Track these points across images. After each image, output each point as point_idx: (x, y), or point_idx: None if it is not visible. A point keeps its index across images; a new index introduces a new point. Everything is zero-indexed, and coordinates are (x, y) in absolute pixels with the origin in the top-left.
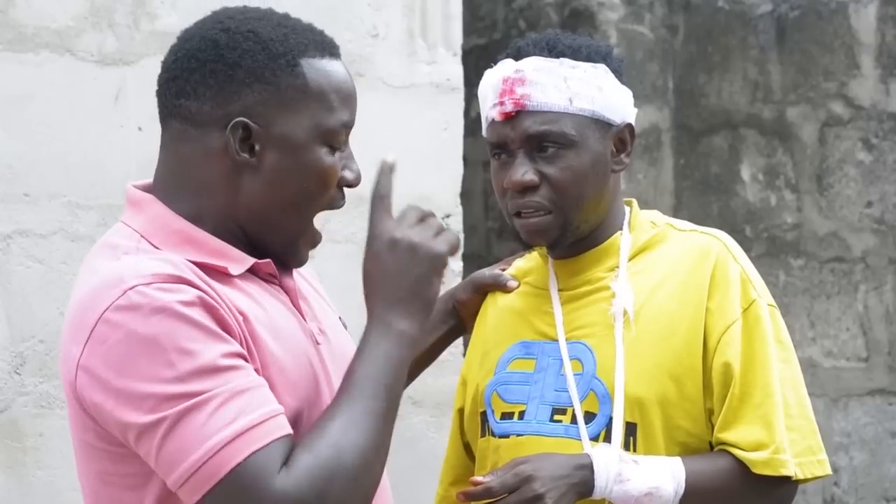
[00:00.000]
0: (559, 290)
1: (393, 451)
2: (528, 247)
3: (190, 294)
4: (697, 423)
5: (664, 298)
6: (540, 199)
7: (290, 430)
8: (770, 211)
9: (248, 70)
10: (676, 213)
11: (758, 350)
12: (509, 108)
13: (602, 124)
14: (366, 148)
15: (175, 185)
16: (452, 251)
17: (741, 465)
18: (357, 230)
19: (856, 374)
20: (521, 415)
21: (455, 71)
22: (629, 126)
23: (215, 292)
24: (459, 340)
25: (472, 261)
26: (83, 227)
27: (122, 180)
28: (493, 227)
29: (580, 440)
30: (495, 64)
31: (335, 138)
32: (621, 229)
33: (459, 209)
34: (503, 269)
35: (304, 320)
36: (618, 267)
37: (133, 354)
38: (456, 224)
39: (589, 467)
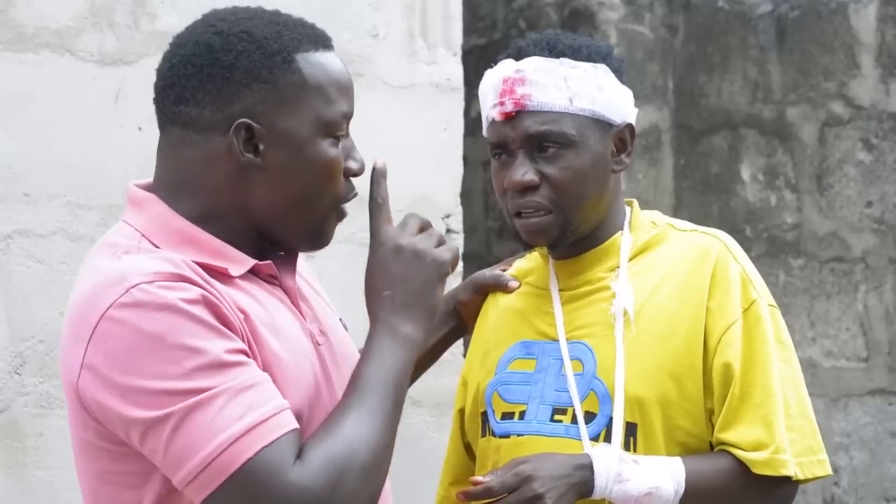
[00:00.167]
0: (560, 290)
1: (393, 451)
2: (528, 247)
3: (193, 292)
4: (697, 423)
5: (664, 298)
6: (540, 199)
7: (297, 425)
8: (770, 211)
9: (245, 71)
10: (676, 213)
11: (758, 350)
12: (509, 108)
13: (602, 124)
14: (366, 148)
15: (178, 187)
16: (454, 261)
17: (741, 465)
18: (357, 230)
19: (856, 374)
20: (522, 415)
21: (455, 71)
22: (629, 126)
23: (217, 291)
24: (460, 341)
25: (472, 261)
26: (83, 227)
27: (122, 180)
28: (493, 227)
29: (580, 440)
30: (495, 64)
31: (337, 129)
32: (622, 229)
33: (459, 209)
34: (504, 270)
35: (305, 321)
36: (618, 267)
37: (138, 351)
38: (456, 224)
39: (589, 467)
